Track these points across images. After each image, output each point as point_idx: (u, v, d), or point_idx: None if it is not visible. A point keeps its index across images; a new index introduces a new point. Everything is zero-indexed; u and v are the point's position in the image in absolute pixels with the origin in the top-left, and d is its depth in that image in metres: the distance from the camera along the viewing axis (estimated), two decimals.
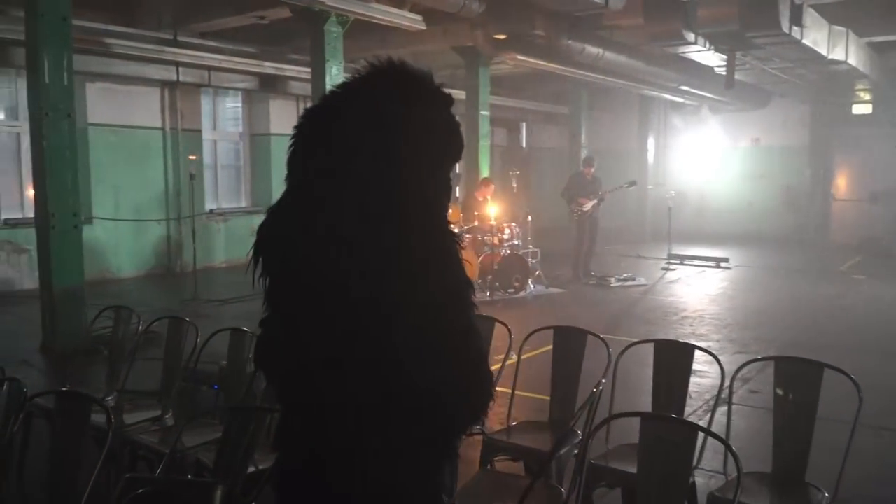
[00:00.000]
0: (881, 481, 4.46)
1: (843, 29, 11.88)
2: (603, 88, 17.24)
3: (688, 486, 2.78)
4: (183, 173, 12.55)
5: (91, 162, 11.90)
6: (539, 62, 12.60)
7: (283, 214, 1.76)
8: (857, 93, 17.56)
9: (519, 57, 12.15)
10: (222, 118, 14.91)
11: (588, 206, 12.26)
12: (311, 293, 1.69)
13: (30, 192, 9.19)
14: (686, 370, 3.73)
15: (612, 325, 8.74)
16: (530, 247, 11.87)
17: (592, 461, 3.34)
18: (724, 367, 3.74)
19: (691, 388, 5.81)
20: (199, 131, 13.63)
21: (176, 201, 13.04)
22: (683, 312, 9.89)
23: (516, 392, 4.08)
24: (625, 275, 12.41)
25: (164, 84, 12.75)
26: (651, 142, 19.63)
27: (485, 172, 13.31)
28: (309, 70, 10.47)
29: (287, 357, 1.77)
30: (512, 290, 10.83)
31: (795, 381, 3.35)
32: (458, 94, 13.61)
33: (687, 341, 4.48)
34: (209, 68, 12.55)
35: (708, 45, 11.10)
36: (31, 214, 8.23)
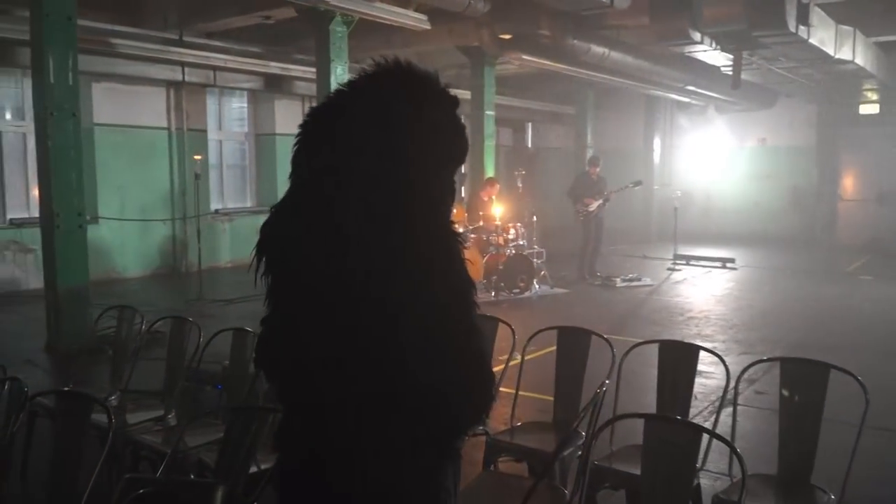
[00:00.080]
0: (880, 481, 4.42)
1: (850, 28, 11.83)
2: (609, 88, 17.21)
3: (692, 488, 2.76)
4: (188, 173, 12.56)
5: (97, 162, 11.93)
6: (544, 62, 12.57)
7: (286, 213, 1.76)
8: (865, 93, 17.50)
9: (524, 57, 12.13)
10: (228, 118, 14.93)
11: (593, 206, 12.23)
12: (313, 292, 1.69)
13: (35, 192, 9.21)
14: (691, 371, 3.70)
15: (617, 326, 8.70)
16: (535, 247, 11.86)
17: (596, 462, 3.32)
18: (730, 367, 3.71)
19: (697, 388, 5.79)
20: (205, 131, 13.65)
21: (181, 201, 13.05)
22: (689, 313, 9.85)
23: (521, 392, 4.05)
24: (630, 275, 12.37)
25: (169, 84, 12.77)
26: (657, 142, 19.58)
27: (490, 172, 13.28)
28: (314, 70, 10.47)
29: (287, 356, 1.77)
30: (517, 291, 10.81)
31: (801, 382, 3.32)
32: (464, 93, 13.61)
33: (692, 342, 4.46)
34: (214, 68, 12.56)
35: (714, 45, 11.06)
36: (36, 214, 8.24)
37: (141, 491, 2.67)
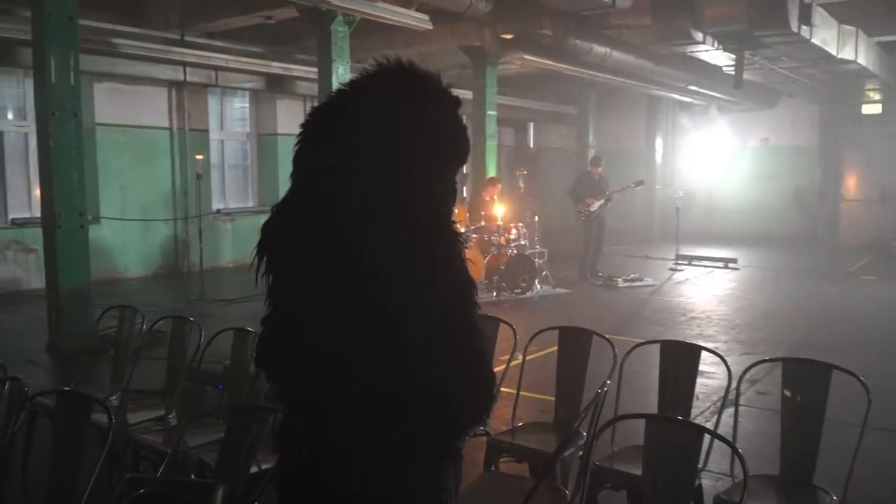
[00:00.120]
0: (882, 482, 4.41)
1: (852, 28, 11.81)
2: (611, 88, 17.20)
3: (693, 489, 2.75)
4: (190, 173, 12.56)
5: (98, 162, 11.93)
6: (546, 62, 12.57)
7: (288, 212, 1.76)
8: (867, 93, 17.48)
9: (526, 56, 12.12)
10: (229, 118, 14.93)
11: (595, 206, 12.21)
12: (314, 291, 1.69)
13: (37, 192, 9.21)
14: (692, 371, 3.69)
15: (619, 326, 8.69)
16: (537, 247, 11.84)
17: (597, 463, 3.31)
18: (732, 368, 3.70)
19: (699, 389, 5.79)
20: (207, 131, 13.65)
21: (183, 201, 13.05)
22: (691, 313, 9.84)
23: (522, 393, 4.05)
24: (632, 275, 12.35)
25: (171, 84, 12.77)
26: (659, 142, 19.56)
27: (491, 172, 13.27)
28: (316, 70, 10.46)
29: (287, 355, 1.77)
30: (518, 291, 10.80)
31: (803, 382, 3.31)
32: (465, 93, 13.61)
33: (694, 342, 4.45)
34: (216, 68, 12.56)
35: (716, 45, 11.04)
36: (38, 214, 8.25)
37: (141, 491, 2.67)
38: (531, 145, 22.58)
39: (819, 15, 10.31)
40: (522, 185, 12.63)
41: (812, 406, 3.24)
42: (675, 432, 2.68)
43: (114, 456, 3.76)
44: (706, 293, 11.49)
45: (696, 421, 5.17)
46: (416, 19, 10.20)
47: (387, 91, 1.72)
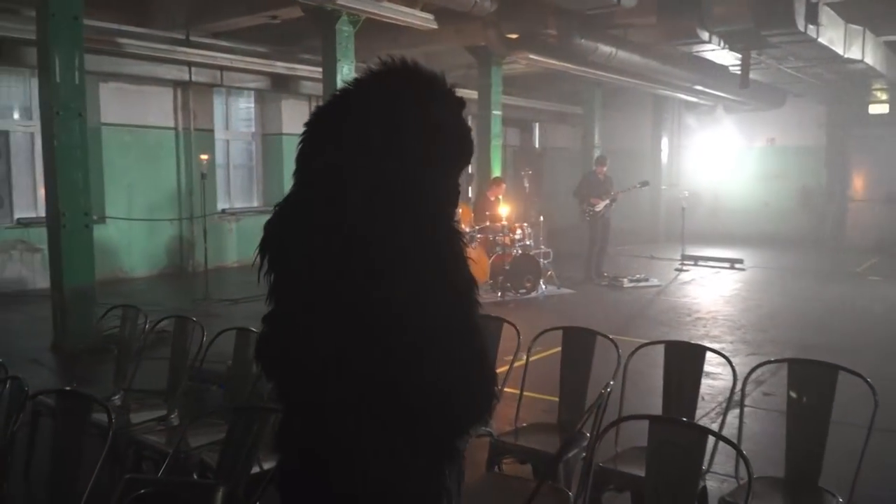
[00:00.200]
0: (890, 484, 4.37)
1: (859, 28, 11.75)
2: (616, 88, 17.15)
3: (697, 491, 2.73)
4: (195, 173, 12.57)
5: (104, 161, 11.96)
6: (551, 61, 12.52)
7: (290, 211, 1.75)
8: (874, 93, 17.41)
9: (531, 56, 12.09)
10: (235, 118, 14.95)
11: (600, 206, 12.18)
12: (314, 291, 1.68)
13: (43, 192, 9.21)
14: (697, 372, 3.67)
15: (624, 327, 8.66)
16: (542, 247, 11.81)
17: (601, 464, 3.29)
18: (738, 369, 3.68)
19: (704, 390, 5.76)
20: (212, 131, 13.67)
21: (188, 201, 13.07)
22: (697, 314, 9.80)
23: (526, 393, 4.03)
24: (637, 275, 12.32)
25: (176, 84, 12.79)
26: (665, 142, 19.51)
27: (496, 172, 13.25)
28: (320, 70, 10.46)
29: (287, 354, 1.76)
30: (523, 291, 10.78)
31: (809, 383, 3.28)
32: (471, 93, 13.59)
33: (700, 343, 4.42)
34: (221, 68, 12.57)
35: (722, 44, 11.00)
36: (44, 214, 8.26)
37: (141, 491, 2.66)
38: (536, 145, 22.54)
39: (826, 14, 10.26)
40: (527, 185, 12.59)
41: (818, 407, 3.21)
42: (678, 434, 2.65)
43: (115, 456, 3.76)
44: (712, 294, 11.44)
45: (702, 422, 5.14)
46: (421, 19, 10.18)
47: (391, 91, 1.72)
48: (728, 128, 19.38)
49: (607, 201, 12.23)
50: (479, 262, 10.94)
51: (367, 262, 1.61)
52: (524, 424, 3.92)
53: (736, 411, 3.81)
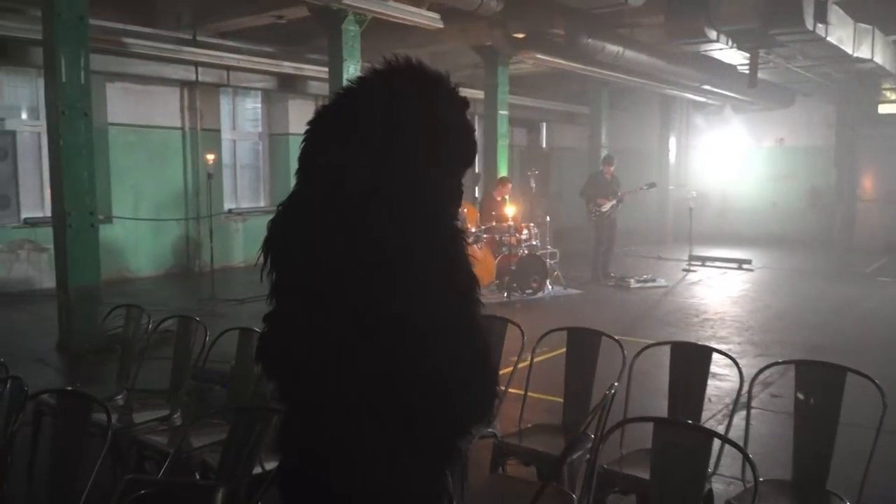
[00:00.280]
0: (891, 485, 4.32)
1: (868, 27, 11.68)
2: (624, 88, 17.10)
3: (703, 494, 2.69)
4: (202, 173, 12.58)
5: (111, 161, 11.99)
6: (558, 61, 12.49)
7: (292, 210, 1.76)
8: (884, 92, 17.31)
9: (538, 56, 12.06)
10: (241, 118, 14.96)
11: (606, 206, 12.13)
12: (315, 289, 1.68)
13: (49, 192, 9.25)
14: (703, 373, 3.63)
15: (631, 327, 8.62)
16: (549, 247, 11.77)
17: (606, 466, 3.26)
18: (746, 370, 3.64)
19: (711, 391, 5.73)
20: (219, 131, 13.68)
21: (195, 201, 13.08)
22: (704, 314, 9.75)
23: (532, 394, 4.01)
24: (645, 276, 12.27)
25: (183, 84, 12.80)
26: (673, 142, 19.43)
27: (503, 172, 13.21)
28: (327, 70, 10.45)
29: (288, 354, 1.76)
30: (530, 291, 10.74)
31: (817, 385, 3.24)
32: (477, 93, 13.58)
33: (706, 344, 4.38)
34: (228, 68, 12.58)
35: (730, 43, 10.95)
36: (50, 213, 8.28)
37: (142, 492, 2.65)
38: (543, 145, 22.50)
39: (834, 13, 10.20)
40: (534, 185, 12.55)
41: (826, 409, 3.17)
42: (683, 436, 2.62)
43: (118, 456, 3.75)
44: (720, 294, 11.38)
45: (708, 424, 5.10)
46: (427, 18, 10.16)
47: (395, 90, 1.71)
48: (736, 128, 19.29)
49: (614, 202, 12.18)
50: (484, 262, 10.91)
51: (369, 262, 1.61)
52: (528, 425, 3.89)
53: (743, 413, 3.76)
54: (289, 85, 13.97)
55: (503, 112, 13.58)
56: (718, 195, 19.26)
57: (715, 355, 3.69)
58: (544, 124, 22.18)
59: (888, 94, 17.36)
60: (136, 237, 12.41)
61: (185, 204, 13.11)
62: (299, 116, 14.44)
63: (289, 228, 1.74)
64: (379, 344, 1.62)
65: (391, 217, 1.63)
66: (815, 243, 17.59)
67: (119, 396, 4.39)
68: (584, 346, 3.88)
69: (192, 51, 11.66)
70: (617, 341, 3.81)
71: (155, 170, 12.69)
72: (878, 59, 12.34)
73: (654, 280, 12.14)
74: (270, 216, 1.80)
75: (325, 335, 1.66)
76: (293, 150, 14.71)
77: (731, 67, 13.61)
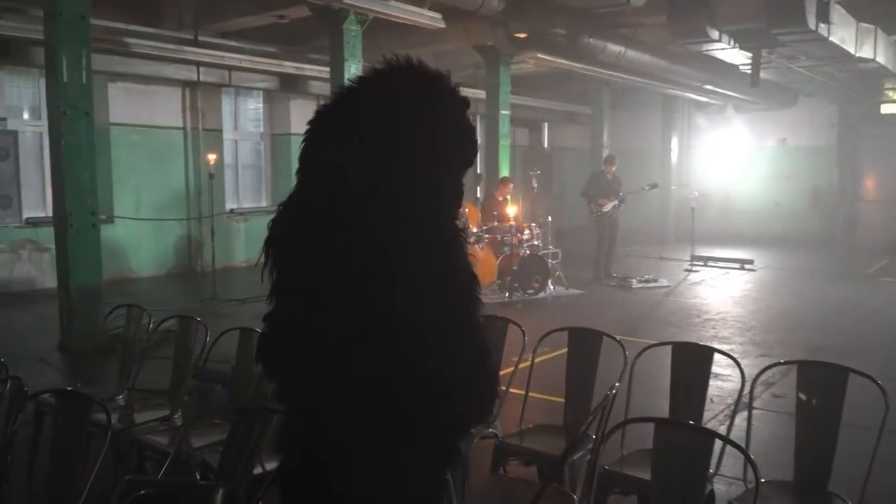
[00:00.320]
0: (894, 486, 4.31)
1: (871, 26, 11.65)
2: (626, 88, 17.08)
3: (704, 495, 2.68)
4: (204, 173, 12.58)
5: (113, 161, 11.99)
6: (560, 61, 12.48)
7: (292, 210, 1.76)
8: (886, 92, 17.25)
9: (539, 56, 12.05)
10: (243, 118, 14.96)
11: (608, 206, 12.11)
12: (315, 289, 1.68)
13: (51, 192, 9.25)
14: (705, 374, 3.62)
15: (632, 327, 8.60)
16: (550, 247, 11.75)
17: (607, 467, 3.25)
18: (748, 370, 3.63)
19: (713, 391, 5.70)
20: (220, 131, 13.68)
21: (197, 201, 13.09)
22: (706, 315, 9.73)
23: (533, 394, 4.00)
24: (647, 276, 12.25)
25: (185, 84, 12.80)
26: (674, 142, 19.40)
27: (504, 172, 13.20)
28: (328, 69, 10.45)
29: (288, 354, 1.76)
30: (531, 292, 10.73)
31: (819, 385, 3.23)
32: (479, 93, 13.57)
33: (708, 344, 4.37)
34: (230, 68, 12.58)
35: (732, 43, 10.92)
36: (52, 213, 8.28)
37: (141, 492, 2.64)
38: (545, 145, 22.48)
39: (837, 13, 10.17)
40: (536, 185, 12.54)
41: (828, 410, 3.16)
42: (684, 437, 2.60)
43: (118, 456, 3.75)
44: (722, 294, 11.36)
45: (710, 424, 5.09)
46: (428, 18, 10.16)
47: (395, 89, 1.71)
48: (738, 127, 19.27)
49: (615, 202, 12.17)
50: (486, 262, 10.90)
51: (369, 261, 1.61)
52: (529, 426, 3.88)
53: (745, 413, 3.75)
54: (290, 85, 13.97)
55: (505, 112, 13.58)
56: (720, 195, 19.23)
57: (717, 355, 3.68)
58: (546, 124, 22.17)
59: (890, 93, 17.31)
60: (138, 237, 12.41)
61: (187, 204, 13.11)
62: (301, 116, 14.36)
63: (289, 228, 1.74)
64: (379, 343, 1.62)
65: (391, 217, 1.63)
66: (818, 243, 17.56)
67: (120, 396, 4.38)
68: (585, 346, 3.87)
69: (194, 51, 11.65)
70: (618, 341, 3.80)
71: (157, 170, 12.70)
72: (880, 59, 12.30)
73: (656, 280, 12.13)
74: (272, 216, 1.80)
75: (325, 335, 1.66)
76: (295, 150, 14.38)
77: (734, 67, 13.57)
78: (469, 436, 3.52)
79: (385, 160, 1.65)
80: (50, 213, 10.23)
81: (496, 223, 11.10)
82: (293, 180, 1.84)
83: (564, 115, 20.64)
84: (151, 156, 12.59)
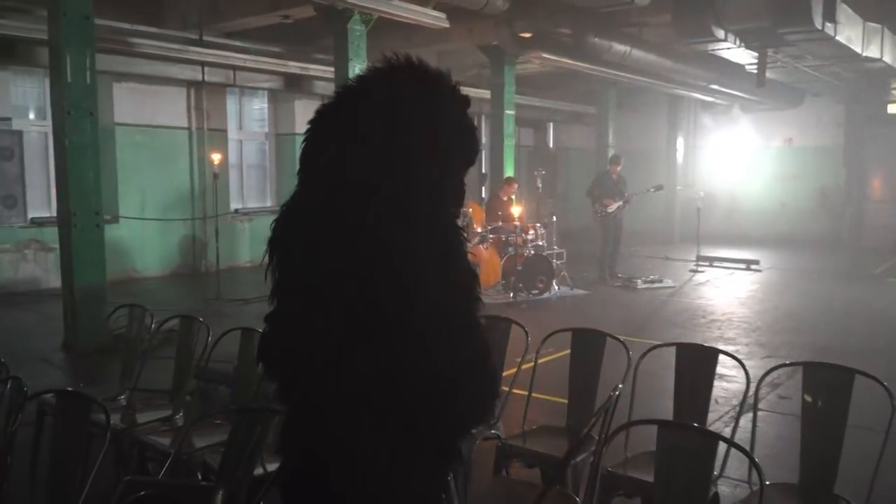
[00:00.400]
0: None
1: (877, 26, 11.59)
2: (631, 88, 17.04)
3: (708, 497, 2.65)
4: (208, 173, 12.59)
5: (118, 161, 12.00)
6: (565, 61, 12.45)
7: (294, 211, 1.75)
8: (893, 91, 17.16)
9: (544, 55, 12.02)
10: (248, 118, 14.96)
11: (612, 207, 12.08)
12: (316, 289, 1.68)
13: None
14: (710, 375, 3.58)
15: (637, 328, 8.57)
16: (555, 247, 11.72)
17: (610, 469, 3.22)
18: (754, 371, 3.60)
19: (719, 393, 5.68)
20: (225, 131, 13.69)
21: (201, 201, 13.09)
22: (711, 315, 9.69)
23: (537, 395, 3.98)
24: (652, 276, 12.21)
25: (189, 84, 12.81)
26: (680, 142, 19.35)
27: (509, 172, 13.18)
28: (333, 69, 10.44)
29: (288, 354, 1.75)
30: (536, 292, 10.70)
31: (825, 387, 3.20)
32: (483, 93, 13.54)
33: (713, 345, 4.34)
34: (234, 68, 12.58)
35: (738, 42, 10.87)
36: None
37: (141, 493, 2.63)
38: (550, 145, 22.45)
39: (843, 12, 10.12)
40: (541, 185, 12.51)
41: (834, 412, 3.13)
42: (688, 438, 2.58)
43: (120, 457, 3.74)
44: (727, 295, 11.31)
45: (715, 426, 5.06)
46: (433, 18, 10.14)
47: (394, 87, 1.71)
48: (745, 127, 19.21)
49: (620, 202, 12.14)
50: (491, 262, 10.88)
51: (370, 261, 1.60)
52: (533, 427, 3.86)
53: (750, 415, 3.72)
54: (295, 85, 13.97)
55: (510, 112, 13.55)
56: (726, 195, 19.17)
57: (722, 356, 3.64)
58: (551, 124, 22.14)
59: None
60: (143, 237, 12.42)
61: (192, 204, 13.12)
62: (306, 116, 13.95)
63: (289, 229, 1.74)
64: (379, 343, 1.61)
65: (392, 216, 1.62)
66: (824, 244, 17.49)
67: (122, 397, 4.37)
68: (588, 347, 3.85)
69: (199, 51, 11.66)
70: (622, 342, 3.77)
71: (161, 170, 12.71)
72: (887, 59, 12.24)
73: (661, 281, 12.09)
74: (276, 216, 1.79)
75: (325, 335, 1.65)
76: (300, 151, 14.69)
77: (740, 67, 13.52)
78: (470, 436, 3.50)
79: (385, 159, 1.64)
80: (55, 214, 10.25)
81: (501, 223, 11.07)
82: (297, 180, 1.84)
83: (569, 115, 20.60)
84: (156, 156, 12.61)
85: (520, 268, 10.62)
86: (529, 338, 4.02)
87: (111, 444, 3.17)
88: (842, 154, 18.18)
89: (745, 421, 3.92)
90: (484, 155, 16.07)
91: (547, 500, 2.81)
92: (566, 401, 3.92)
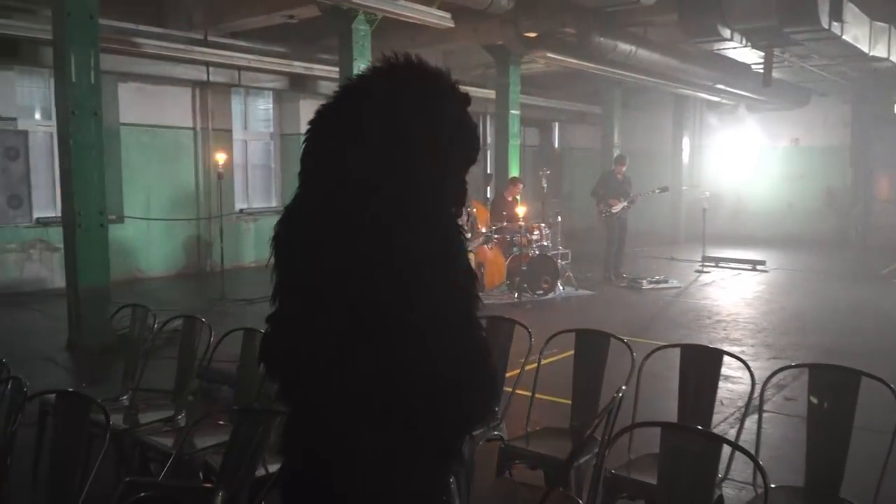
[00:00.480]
0: None
1: (884, 25, 11.54)
2: (637, 87, 17.01)
3: (712, 500, 2.63)
4: (213, 173, 12.59)
5: (123, 161, 12.03)
6: (570, 60, 12.43)
7: (296, 211, 1.75)
8: None
9: (549, 55, 12.00)
10: (253, 118, 14.98)
11: (617, 207, 12.05)
12: (317, 289, 1.67)
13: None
14: (714, 376, 3.55)
15: (642, 329, 8.54)
16: (560, 248, 11.70)
17: (613, 471, 3.20)
18: (759, 373, 3.57)
19: (724, 394, 5.65)
20: (230, 131, 13.70)
21: (206, 201, 13.11)
22: (717, 316, 9.65)
23: (541, 396, 3.96)
24: (657, 277, 12.18)
25: (194, 84, 12.83)
26: (686, 142, 19.30)
27: (514, 172, 13.15)
28: (338, 69, 10.43)
29: (290, 354, 1.75)
30: (541, 292, 10.67)
31: (831, 389, 3.17)
32: (489, 93, 13.53)
33: (718, 346, 4.31)
34: (239, 68, 12.58)
35: (744, 42, 10.84)
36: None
37: (141, 494, 2.61)
38: (555, 145, 22.42)
39: (850, 11, 10.07)
40: (546, 185, 12.48)
41: (840, 414, 3.10)
42: (692, 441, 2.55)
43: (121, 457, 3.73)
44: (733, 296, 11.27)
45: (720, 428, 5.03)
46: (437, 17, 10.12)
47: (394, 86, 1.70)
48: (751, 127, 19.15)
49: (625, 203, 12.10)
50: (495, 262, 10.86)
51: (370, 261, 1.60)
52: (536, 428, 3.84)
53: (755, 417, 3.69)
54: (300, 85, 13.96)
55: (515, 112, 13.52)
56: (732, 195, 19.12)
57: (727, 358, 3.61)
58: (556, 124, 22.11)
59: None
60: (148, 237, 12.44)
61: (197, 204, 13.13)
62: (310, 117, 14.41)
63: (291, 229, 1.73)
64: (380, 343, 1.61)
65: (392, 216, 1.61)
66: (831, 244, 17.42)
67: (124, 397, 4.36)
68: (592, 348, 3.82)
69: (204, 51, 11.67)
70: (626, 343, 3.75)
71: (166, 170, 12.73)
72: (894, 58, 12.18)
73: (666, 281, 12.05)
74: (280, 217, 1.78)
75: (326, 335, 1.65)
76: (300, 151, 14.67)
77: (746, 66, 13.48)
78: (472, 437, 3.48)
79: (385, 159, 1.64)
80: (60, 214, 10.28)
81: (506, 223, 11.04)
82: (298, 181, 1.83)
83: (575, 115, 20.57)
84: (161, 156, 12.63)
85: (524, 268, 10.60)
86: (533, 338, 3.99)
87: (113, 445, 3.17)
88: (849, 154, 18.12)
89: (751, 422, 3.89)
90: (489, 155, 16.05)
91: (550, 503, 2.79)
92: (570, 402, 3.90)
